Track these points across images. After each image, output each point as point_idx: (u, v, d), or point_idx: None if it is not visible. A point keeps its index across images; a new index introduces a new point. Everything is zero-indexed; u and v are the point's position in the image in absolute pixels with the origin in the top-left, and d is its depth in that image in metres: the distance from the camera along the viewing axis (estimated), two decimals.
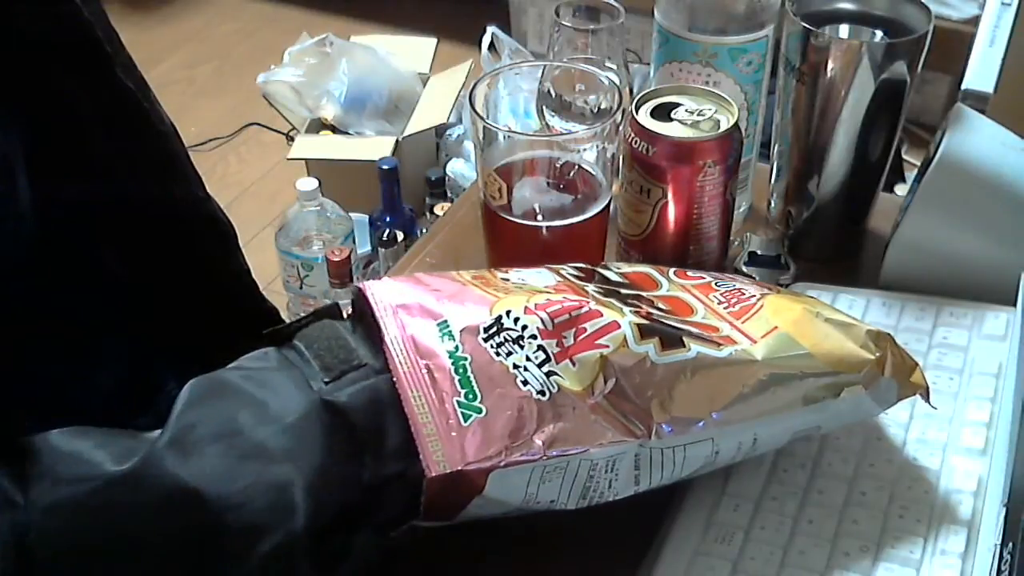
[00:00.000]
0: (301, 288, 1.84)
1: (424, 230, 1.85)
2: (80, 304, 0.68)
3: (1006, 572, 0.48)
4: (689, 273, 0.63)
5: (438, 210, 1.93)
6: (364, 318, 0.56)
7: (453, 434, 0.50)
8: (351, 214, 1.85)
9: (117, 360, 0.70)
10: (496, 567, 0.54)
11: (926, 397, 0.59)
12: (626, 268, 0.63)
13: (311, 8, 2.77)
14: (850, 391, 0.56)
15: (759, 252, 0.76)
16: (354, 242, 1.84)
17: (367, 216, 1.89)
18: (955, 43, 1.35)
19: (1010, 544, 0.49)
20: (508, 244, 0.70)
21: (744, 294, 0.60)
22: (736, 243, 0.78)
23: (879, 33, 0.72)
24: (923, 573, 0.54)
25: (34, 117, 0.63)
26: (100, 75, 0.67)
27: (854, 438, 0.61)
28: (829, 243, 0.79)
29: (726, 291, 0.61)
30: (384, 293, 0.55)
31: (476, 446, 0.50)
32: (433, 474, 0.49)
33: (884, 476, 0.59)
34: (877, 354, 0.57)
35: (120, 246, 0.69)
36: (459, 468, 0.49)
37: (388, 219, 1.85)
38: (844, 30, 0.73)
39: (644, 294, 0.59)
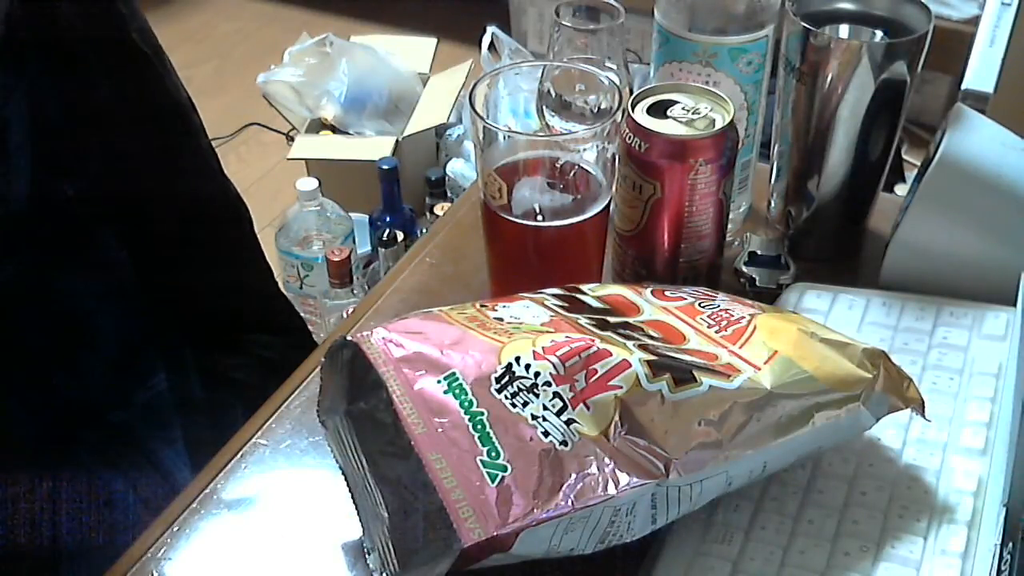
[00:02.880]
0: (301, 288, 1.83)
1: (424, 230, 1.85)
2: (75, 285, 0.67)
3: (1006, 572, 0.48)
4: (667, 293, 0.63)
5: (438, 210, 1.93)
6: (356, 361, 0.55)
7: (482, 497, 0.49)
8: (351, 214, 1.85)
9: (107, 344, 0.69)
10: (496, 567, 0.53)
11: (921, 411, 0.58)
12: (600, 291, 0.62)
13: (311, 8, 2.78)
14: (850, 409, 0.56)
15: (759, 252, 0.76)
16: (354, 242, 1.84)
17: (367, 216, 1.89)
18: (955, 43, 1.35)
19: (1010, 544, 0.49)
20: (508, 244, 0.70)
21: (732, 315, 0.60)
22: (736, 243, 0.78)
23: (879, 33, 0.72)
24: (923, 573, 0.54)
25: (45, 106, 0.62)
26: (113, 38, 0.66)
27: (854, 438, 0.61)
28: (829, 243, 0.79)
29: (712, 312, 0.60)
30: (382, 347, 0.54)
31: (508, 508, 0.49)
32: (467, 544, 0.48)
33: (884, 476, 0.59)
34: (873, 372, 0.57)
35: (122, 231, 0.69)
36: (494, 534, 0.48)
37: (388, 219, 1.85)
38: (844, 30, 0.73)
39: (632, 321, 0.59)
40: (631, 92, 0.69)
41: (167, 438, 0.74)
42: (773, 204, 0.80)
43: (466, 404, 0.51)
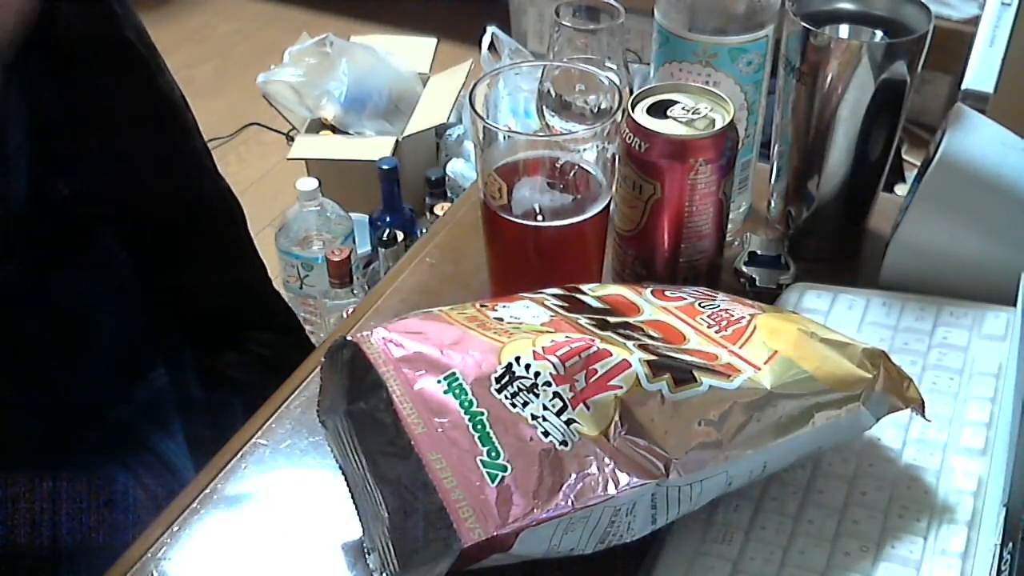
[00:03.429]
0: (301, 288, 1.84)
1: (424, 230, 1.85)
2: (75, 285, 0.67)
3: (1006, 572, 0.48)
4: (667, 293, 0.63)
5: (438, 210, 1.93)
6: (356, 361, 0.55)
7: (482, 497, 0.49)
8: (351, 214, 1.85)
9: (107, 343, 0.70)
10: (496, 567, 0.53)
11: (921, 411, 0.58)
12: (600, 291, 0.62)
13: (311, 8, 2.78)
14: (850, 409, 0.56)
15: (759, 252, 0.76)
16: (354, 242, 1.84)
17: (367, 216, 1.89)
18: (955, 43, 1.35)
19: (1010, 544, 0.49)
20: (508, 244, 0.70)
21: (732, 315, 0.60)
22: (736, 243, 0.78)
23: (879, 33, 0.72)
24: (923, 573, 0.54)
25: (44, 106, 0.62)
26: (111, 38, 0.67)
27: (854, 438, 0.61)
28: (829, 243, 0.79)
29: (712, 312, 0.60)
30: (382, 347, 0.54)
31: (508, 508, 0.49)
32: (467, 543, 0.48)
33: (884, 476, 0.59)
34: (873, 372, 0.57)
35: (121, 231, 0.69)
36: (494, 534, 0.48)
37: (388, 219, 1.85)
38: (844, 30, 0.73)
39: (632, 321, 0.59)
40: (631, 92, 0.69)
41: (168, 433, 0.75)
42: (773, 204, 0.80)
43: (466, 404, 0.51)
